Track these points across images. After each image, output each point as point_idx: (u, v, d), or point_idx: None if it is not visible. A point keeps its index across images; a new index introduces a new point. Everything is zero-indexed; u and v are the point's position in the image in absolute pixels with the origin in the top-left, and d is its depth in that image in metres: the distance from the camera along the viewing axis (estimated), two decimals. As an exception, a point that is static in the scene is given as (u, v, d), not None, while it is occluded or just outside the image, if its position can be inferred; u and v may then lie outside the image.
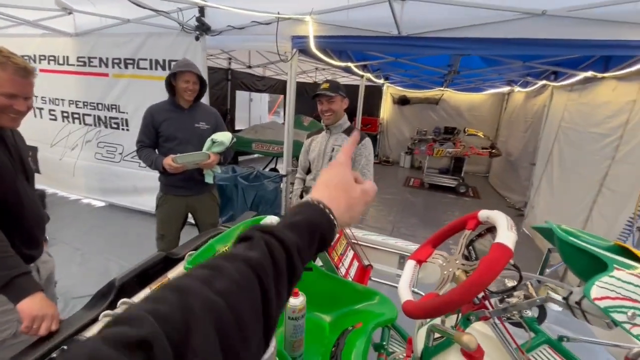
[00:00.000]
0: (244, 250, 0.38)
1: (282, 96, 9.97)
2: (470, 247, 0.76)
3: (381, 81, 7.30)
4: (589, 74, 3.28)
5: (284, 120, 10.04)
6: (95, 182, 4.29)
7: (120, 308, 0.86)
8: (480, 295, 0.65)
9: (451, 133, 7.32)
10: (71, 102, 4.09)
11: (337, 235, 1.31)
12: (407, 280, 0.78)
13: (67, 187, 4.52)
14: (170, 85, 2.06)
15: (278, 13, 2.78)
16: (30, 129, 3.74)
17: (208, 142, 2.08)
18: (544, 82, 4.60)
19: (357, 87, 6.49)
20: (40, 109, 4.29)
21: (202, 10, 3.07)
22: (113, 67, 3.72)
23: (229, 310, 0.32)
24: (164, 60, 3.45)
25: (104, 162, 4.13)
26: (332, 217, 0.46)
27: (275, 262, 0.38)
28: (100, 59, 3.76)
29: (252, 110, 9.02)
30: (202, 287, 0.32)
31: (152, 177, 2.14)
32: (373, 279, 1.44)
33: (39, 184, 1.38)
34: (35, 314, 0.89)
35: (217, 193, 2.41)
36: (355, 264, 1.34)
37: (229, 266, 0.35)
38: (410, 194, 6.18)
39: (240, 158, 7.26)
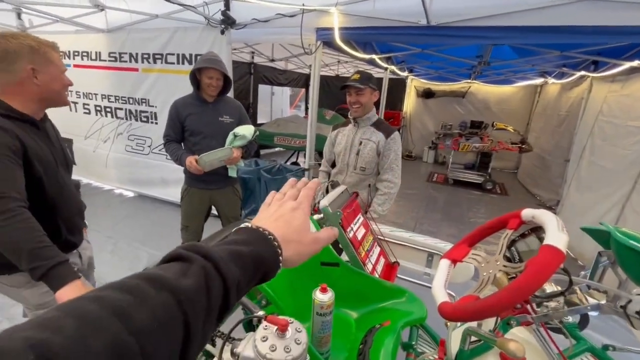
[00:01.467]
0: (178, 275, 0.32)
1: (303, 90, 9.96)
2: (512, 248, 0.72)
3: (405, 74, 7.12)
4: (635, 63, 3.04)
5: (306, 113, 10.04)
6: (126, 174, 4.47)
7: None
8: (525, 299, 0.61)
9: (478, 127, 7.04)
10: (104, 96, 4.26)
11: (364, 231, 1.29)
12: (442, 280, 0.74)
13: (100, 177, 4.74)
14: (195, 79, 2.08)
15: (303, 5, 2.74)
16: (66, 122, 3.93)
17: (230, 136, 2.09)
18: (582, 72, 4.31)
19: (380, 80, 6.37)
20: (75, 103, 4.50)
21: (227, 3, 3.08)
22: (142, 62, 3.82)
23: (141, 356, 0.26)
24: (190, 55, 3.51)
25: (134, 154, 4.28)
26: (280, 258, 0.43)
27: (209, 299, 0.33)
28: (130, 54, 3.88)
29: (274, 103, 9.06)
30: (112, 320, 0.25)
31: (179, 170, 2.19)
32: (400, 276, 1.40)
33: (74, 175, 1.43)
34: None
35: (240, 187, 2.43)
36: (382, 260, 1.32)
37: (154, 296, 0.29)
38: (434, 189, 6.03)
39: (263, 151, 7.34)
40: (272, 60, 6.89)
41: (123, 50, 3.91)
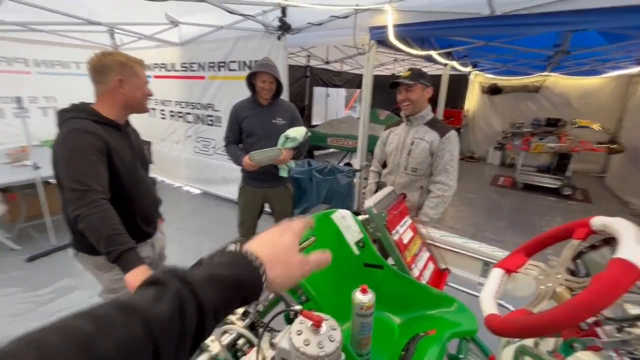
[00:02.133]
0: (150, 301, 0.31)
1: (358, 90, 9.91)
2: (578, 261, 0.63)
3: (468, 69, 6.64)
4: None
5: (360, 114, 9.92)
6: (193, 172, 4.92)
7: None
8: (591, 320, 0.53)
9: (555, 125, 6.26)
10: (177, 102, 4.76)
11: (412, 234, 1.24)
12: (491, 291, 0.68)
13: (172, 175, 5.29)
14: (251, 83, 2.21)
15: (357, 5, 2.74)
16: (146, 126, 4.48)
17: (282, 138, 2.17)
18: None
19: (439, 77, 6.04)
20: (154, 109, 5.10)
21: (284, 10, 3.22)
22: (208, 70, 4.18)
23: None
24: (250, 62, 3.73)
25: (201, 155, 4.70)
26: (263, 280, 0.41)
27: (182, 326, 0.32)
28: (199, 64, 4.27)
29: (329, 105, 9.17)
30: (73, 352, 0.24)
31: (238, 169, 2.34)
32: (450, 284, 1.32)
33: (152, 173, 1.64)
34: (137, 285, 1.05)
35: (292, 186, 2.51)
36: (431, 266, 1.25)
37: (121, 325, 0.28)
38: (499, 194, 5.53)
39: (316, 152, 7.47)
40: (327, 63, 6.99)
41: (193, 60, 4.32)
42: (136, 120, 1.51)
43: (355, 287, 0.86)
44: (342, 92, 9.92)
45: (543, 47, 4.21)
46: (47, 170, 3.03)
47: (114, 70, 1.29)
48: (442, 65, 5.40)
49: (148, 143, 5.17)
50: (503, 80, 7.46)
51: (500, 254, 1.25)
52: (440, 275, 1.26)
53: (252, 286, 0.40)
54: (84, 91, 5.00)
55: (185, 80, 4.53)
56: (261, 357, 0.69)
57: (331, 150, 7.04)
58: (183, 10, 3.66)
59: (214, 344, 0.79)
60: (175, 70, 4.59)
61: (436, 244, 1.33)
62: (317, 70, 7.28)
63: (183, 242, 3.44)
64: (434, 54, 4.17)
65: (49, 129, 4.23)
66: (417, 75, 1.85)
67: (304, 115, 7.23)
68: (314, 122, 7.74)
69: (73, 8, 3.47)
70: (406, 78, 1.84)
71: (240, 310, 0.90)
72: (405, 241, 1.17)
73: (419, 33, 2.82)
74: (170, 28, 4.11)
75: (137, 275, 1.09)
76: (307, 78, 7.17)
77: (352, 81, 8.60)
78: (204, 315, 0.34)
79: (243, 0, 2.95)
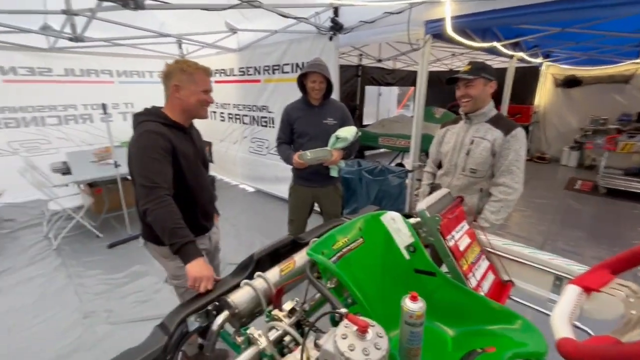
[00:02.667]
0: None
1: (412, 88, 9.54)
2: (685, 284, 0.52)
3: (538, 60, 5.97)
4: None
5: (414, 112, 9.55)
6: (248, 171, 5.18)
7: (256, 280, 0.99)
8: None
9: (649, 121, 5.36)
10: (234, 105, 5.05)
11: (469, 241, 1.14)
12: (566, 310, 0.59)
13: (229, 174, 5.63)
14: (302, 84, 2.24)
15: (411, -2, 2.63)
16: (208, 128, 4.82)
17: (332, 138, 2.16)
18: None
19: (503, 70, 5.54)
20: (214, 112, 5.47)
21: (336, 10, 3.22)
22: (263, 73, 4.36)
23: None
24: (302, 63, 3.80)
25: (255, 154, 4.93)
26: None
27: None
28: (255, 68, 4.47)
29: (381, 104, 8.97)
30: None
31: (289, 169, 2.39)
32: (513, 298, 1.19)
33: (211, 172, 1.75)
34: (196, 275, 1.13)
35: (342, 186, 2.50)
36: (490, 277, 1.14)
37: None
38: (575, 199, 4.89)
39: (367, 152, 7.36)
40: (380, 61, 6.84)
41: (249, 65, 4.54)
42: (199, 123, 1.63)
43: (404, 293, 0.82)
44: (395, 90, 9.63)
45: (635, 30, 3.61)
46: (125, 168, 3.43)
47: (174, 77, 1.40)
48: (507, 57, 4.94)
49: (209, 143, 5.57)
50: (582, 71, 6.58)
51: (577, 268, 1.09)
52: (501, 288, 1.14)
53: None
54: (156, 97, 5.54)
55: (242, 84, 4.79)
56: (305, 357, 0.69)
57: (382, 150, 6.89)
58: (241, 17, 3.86)
59: (262, 338, 0.81)
60: (234, 75, 4.87)
61: (498, 252, 1.21)
62: (369, 69, 7.16)
63: (237, 237, 3.63)
64: (498, 45, 3.83)
65: (128, 131, 4.75)
66: (478, 68, 1.71)
67: (355, 115, 7.16)
68: (365, 122, 7.63)
69: (148, 22, 3.88)
70: (466, 72, 1.71)
71: (288, 307, 0.91)
72: (461, 248, 1.08)
73: (481, 23, 2.60)
74: (229, 35, 4.37)
75: (196, 266, 1.17)
76: (359, 77, 7.09)
77: (406, 79, 8.30)
78: None
79: (296, 3, 3.01)
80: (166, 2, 2.39)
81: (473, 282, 1.04)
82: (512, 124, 1.73)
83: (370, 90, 7.77)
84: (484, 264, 1.15)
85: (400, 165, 5.55)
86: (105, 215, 3.94)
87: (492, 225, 1.70)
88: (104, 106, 3.35)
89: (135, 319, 2.34)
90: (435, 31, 2.73)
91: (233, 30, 4.15)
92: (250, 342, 0.84)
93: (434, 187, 2.03)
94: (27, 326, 2.28)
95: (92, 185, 3.91)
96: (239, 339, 0.90)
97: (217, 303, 0.96)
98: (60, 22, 3.46)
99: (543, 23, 3.44)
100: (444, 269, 1.08)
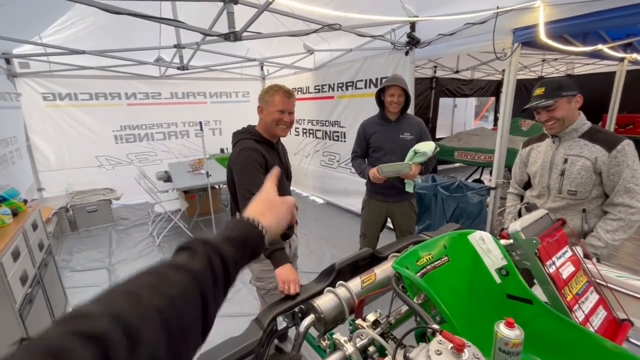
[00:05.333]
0: (188, 260, 0.43)
1: (492, 99, 8.83)
2: None
3: (658, 61, 5.03)
4: None
5: (494, 125, 8.85)
6: (318, 184, 5.37)
7: (339, 288, 1.04)
8: None
9: None
10: (308, 121, 5.32)
11: (573, 269, 1.02)
12: None
13: (301, 186, 5.90)
14: (380, 100, 2.28)
15: (497, 7, 2.49)
16: (283, 142, 5.16)
17: (410, 153, 2.14)
18: None
19: (609, 75, 4.80)
20: (285, 128, 5.84)
21: (413, 25, 3.21)
22: (337, 90, 4.54)
23: (174, 315, 0.36)
24: (376, 79, 3.86)
25: (326, 168, 5.09)
26: (263, 231, 0.57)
27: (214, 274, 0.44)
28: (329, 85, 4.68)
29: (456, 116, 8.49)
30: (150, 293, 0.35)
31: (360, 182, 2.43)
32: (632, 340, 1.02)
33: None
34: (285, 279, 1.23)
35: (416, 202, 2.44)
36: (602, 313, 1.00)
37: (175, 276, 0.39)
38: None
39: (440, 167, 7.00)
40: (457, 72, 6.53)
41: (324, 82, 4.77)
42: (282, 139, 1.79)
43: (494, 318, 0.78)
44: (472, 101, 9.03)
45: None
46: (214, 178, 3.87)
47: (261, 99, 1.61)
48: (615, 60, 4.29)
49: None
50: None
51: None
52: (616, 327, 0.99)
53: (257, 239, 0.55)
54: (240, 114, 6.17)
55: (316, 101, 5.04)
56: (395, 369, 0.70)
57: (457, 165, 6.48)
58: (319, 39, 4.11)
59: (348, 344, 0.85)
60: (309, 93, 5.16)
61: (612, 286, 1.05)
62: (444, 81, 6.88)
63: (308, 246, 3.77)
64: (604, 48, 3.36)
65: (216, 145, 5.37)
66: (554, 89, 1.52)
67: (429, 128, 6.90)
68: (438, 135, 7.30)
69: (237, 49, 4.38)
70: (540, 97, 1.55)
71: (371, 318, 0.94)
72: (564, 276, 0.98)
73: (584, 27, 2.32)
74: (307, 56, 4.68)
75: (284, 270, 1.27)
76: (433, 90, 6.86)
77: (485, 89, 7.75)
78: (227, 267, 0.46)
79: (373, 22, 3.09)
80: (259, 33, 2.68)
81: (580, 316, 0.93)
82: (614, 137, 1.50)
83: (445, 102, 7.43)
84: (593, 297, 1.01)
85: (479, 181, 5.15)
86: (196, 219, 4.48)
87: (607, 245, 1.47)
88: (200, 124, 3.86)
89: (221, 314, 2.55)
90: (526, 39, 2.53)
91: (310, 51, 4.43)
92: (335, 347, 0.88)
93: (528, 208, 1.84)
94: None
95: (187, 192, 4.48)
96: (324, 343, 0.95)
97: (302, 307, 1.03)
98: (170, 54, 4.14)
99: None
100: (542, 297, 0.99)
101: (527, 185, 1.91)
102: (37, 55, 3.77)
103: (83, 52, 3.47)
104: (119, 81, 5.10)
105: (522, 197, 1.95)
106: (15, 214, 1.93)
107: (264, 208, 0.63)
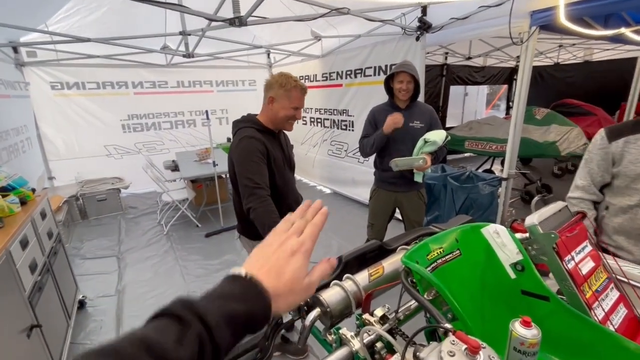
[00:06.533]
0: (175, 344, 0.32)
1: (505, 86, 8.58)
2: None
3: (684, 46, 4.78)
4: None
5: (507, 113, 8.65)
6: (326, 173, 5.33)
7: (346, 281, 1.01)
8: None
9: None
10: (316, 109, 5.25)
11: (593, 265, 0.98)
12: None
13: (308, 175, 5.87)
14: (389, 87, 2.21)
15: (514, -12, 2.37)
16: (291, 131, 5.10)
17: (420, 142, 2.08)
18: None
19: (630, 61, 4.59)
20: (293, 124, 5.79)
21: (424, 9, 3.09)
22: (345, 78, 4.44)
23: None
24: (386, 66, 3.76)
25: (333, 157, 5.04)
26: (270, 313, 0.41)
27: None
28: (337, 73, 4.58)
29: (467, 105, 8.29)
30: None
31: (367, 172, 2.39)
32: (654, 340, 0.97)
33: (293, 173, 1.85)
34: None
35: (425, 192, 2.38)
36: (622, 310, 0.96)
37: None
38: None
39: (450, 157, 6.88)
40: (469, 58, 6.33)
41: (332, 70, 4.68)
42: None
43: (508, 315, 0.74)
44: (484, 89, 8.79)
45: None
46: (220, 167, 3.86)
47: (272, 89, 1.53)
48: (638, 45, 4.08)
49: (291, 146, 5.88)
50: None
51: None
52: (637, 326, 0.94)
53: (262, 320, 0.41)
54: (246, 103, 6.11)
55: (324, 89, 4.96)
56: (404, 367, 0.67)
57: (467, 154, 6.35)
58: (326, 24, 4.00)
59: (355, 340, 0.82)
60: (317, 81, 5.07)
61: (633, 282, 1.00)
62: (455, 68, 6.69)
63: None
64: (627, 31, 3.19)
65: (222, 135, 5.34)
66: None
67: (439, 116, 6.77)
68: (448, 124, 7.15)
69: (243, 36, 4.30)
70: None
71: (379, 314, 0.91)
72: (583, 272, 0.93)
73: (607, 8, 2.19)
74: (314, 43, 4.57)
75: None
76: (443, 77, 6.68)
77: (498, 77, 7.52)
78: (219, 356, 0.36)
79: (383, 5, 2.98)
80: (264, 18, 2.61)
81: (599, 314, 0.88)
82: None
83: (455, 90, 7.24)
84: (614, 294, 0.96)
85: (490, 171, 5.04)
86: (204, 208, 4.50)
87: None
88: (207, 113, 3.83)
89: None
90: (544, 22, 2.41)
91: (318, 38, 4.32)
92: (342, 342, 0.85)
93: (545, 201, 1.60)
94: (145, 298, 2.74)
95: (194, 181, 4.49)
96: (330, 337, 0.93)
97: (308, 299, 1.01)
98: (176, 42, 4.08)
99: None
100: (560, 293, 0.94)
101: (613, 189, 1.51)
102: (44, 43, 3.76)
103: (88, 40, 3.44)
104: (126, 70, 5.08)
105: (596, 204, 1.57)
106: (23, 202, 1.94)
107: (284, 290, 0.45)
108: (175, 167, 4.78)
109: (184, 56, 4.09)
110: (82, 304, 2.59)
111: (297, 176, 5.93)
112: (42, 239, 1.96)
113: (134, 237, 3.89)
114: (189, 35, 3.44)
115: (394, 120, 2.04)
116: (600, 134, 1.49)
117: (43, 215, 2.09)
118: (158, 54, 4.57)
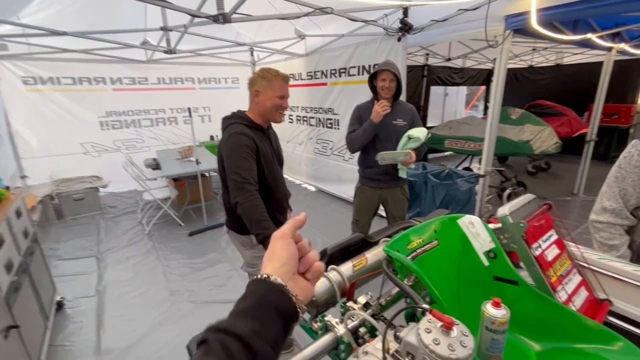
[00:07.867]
0: (201, 357, 0.37)
1: (482, 88, 8.88)
2: None
3: (645, 51, 5.11)
4: None
5: (484, 114, 8.92)
6: (311, 171, 5.37)
7: (331, 272, 1.05)
8: None
9: None
10: (302, 108, 5.27)
11: (558, 252, 1.06)
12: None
13: (295, 173, 5.89)
14: (373, 86, 2.27)
15: (490, -7, 2.48)
16: (277, 129, 5.10)
17: (404, 139, 2.15)
18: None
19: (596, 64, 4.86)
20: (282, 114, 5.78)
21: (405, 11, 3.17)
22: (330, 77, 4.48)
23: None
24: (369, 66, 3.83)
25: (319, 155, 5.08)
26: (284, 286, 0.45)
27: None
28: (322, 72, 4.62)
29: (447, 105, 8.53)
30: None
31: (353, 170, 2.43)
32: (611, 319, 1.07)
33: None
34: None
35: (408, 188, 2.46)
36: (583, 293, 1.04)
37: None
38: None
39: (430, 155, 7.07)
40: (449, 60, 6.52)
41: (317, 69, 4.71)
42: (275, 125, 1.76)
43: (482, 299, 0.80)
44: (463, 90, 9.06)
45: None
46: (204, 165, 3.82)
47: (256, 83, 1.55)
48: (603, 50, 4.33)
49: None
50: None
51: (699, 293, 0.94)
52: (597, 307, 1.03)
53: (278, 296, 0.45)
54: (229, 101, 6.03)
55: (310, 88, 4.98)
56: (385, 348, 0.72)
57: (447, 153, 6.55)
58: (310, 23, 4.03)
59: (339, 326, 0.86)
60: (302, 79, 5.09)
61: (593, 268, 1.09)
62: (435, 69, 6.87)
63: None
64: (593, 37, 3.39)
65: (205, 132, 5.27)
66: None
67: (420, 116, 6.93)
68: (429, 124, 7.33)
69: (226, 33, 4.26)
70: None
71: (362, 301, 0.95)
72: (549, 258, 1.01)
73: (575, 14, 2.33)
74: (298, 41, 4.59)
75: None
76: (424, 78, 6.85)
77: (476, 78, 7.77)
78: (247, 343, 0.39)
79: (365, 6, 3.04)
80: (249, 15, 2.61)
81: (563, 296, 0.96)
82: None
83: (436, 91, 7.44)
84: (576, 278, 1.05)
85: (468, 169, 5.22)
86: (187, 207, 4.43)
87: None
88: (189, 110, 3.78)
89: (213, 300, 2.60)
90: (518, 26, 2.53)
91: (302, 37, 4.35)
92: (327, 328, 0.89)
93: (516, 193, 1.61)
94: (126, 298, 2.69)
95: (176, 180, 4.42)
96: (316, 325, 0.96)
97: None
98: (157, 37, 4.00)
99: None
100: (527, 278, 1.02)
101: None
102: (15, 36, 3.60)
103: (64, 34, 3.32)
104: (104, 65, 4.93)
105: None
106: (-3, 200, 1.88)
107: (283, 264, 0.52)
108: (156, 166, 4.69)
109: (165, 52, 4.02)
110: (60, 306, 2.51)
111: (285, 175, 5.97)
112: (17, 238, 1.90)
113: (113, 237, 3.80)
114: (171, 31, 3.39)
115: (381, 106, 2.08)
116: (637, 147, 1.24)
117: (18, 214, 2.02)
118: (138, 49, 4.46)
